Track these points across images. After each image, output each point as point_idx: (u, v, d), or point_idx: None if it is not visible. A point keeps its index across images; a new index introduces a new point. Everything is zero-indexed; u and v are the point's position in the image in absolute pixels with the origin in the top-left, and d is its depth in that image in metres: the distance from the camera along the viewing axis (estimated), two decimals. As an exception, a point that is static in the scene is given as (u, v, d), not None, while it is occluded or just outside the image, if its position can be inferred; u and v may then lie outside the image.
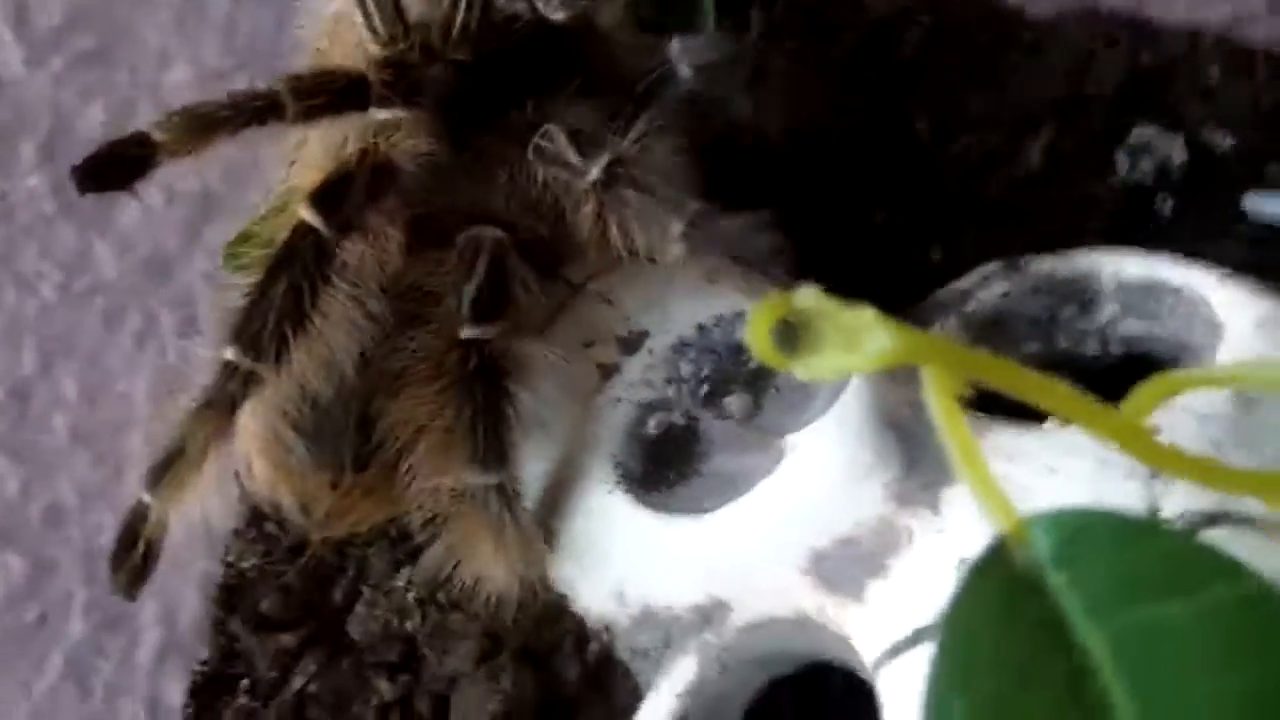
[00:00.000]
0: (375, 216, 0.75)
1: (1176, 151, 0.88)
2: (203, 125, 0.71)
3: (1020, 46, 0.90)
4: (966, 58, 0.90)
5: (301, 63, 0.85)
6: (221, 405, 0.72)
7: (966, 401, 0.70)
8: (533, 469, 0.78)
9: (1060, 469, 0.68)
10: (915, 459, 0.70)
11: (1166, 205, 0.88)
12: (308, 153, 0.77)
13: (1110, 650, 0.49)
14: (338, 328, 0.73)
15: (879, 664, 0.68)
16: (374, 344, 0.75)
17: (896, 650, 0.67)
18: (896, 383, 0.73)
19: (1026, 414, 0.64)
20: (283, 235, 0.75)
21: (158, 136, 0.71)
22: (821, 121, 0.84)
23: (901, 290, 0.85)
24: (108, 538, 0.93)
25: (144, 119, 0.99)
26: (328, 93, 0.74)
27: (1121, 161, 0.88)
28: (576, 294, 0.81)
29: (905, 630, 0.67)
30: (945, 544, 0.68)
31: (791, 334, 0.60)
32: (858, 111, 0.87)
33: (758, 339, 0.59)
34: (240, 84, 0.98)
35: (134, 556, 0.74)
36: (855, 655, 0.70)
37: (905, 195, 0.88)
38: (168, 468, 0.73)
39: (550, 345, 0.78)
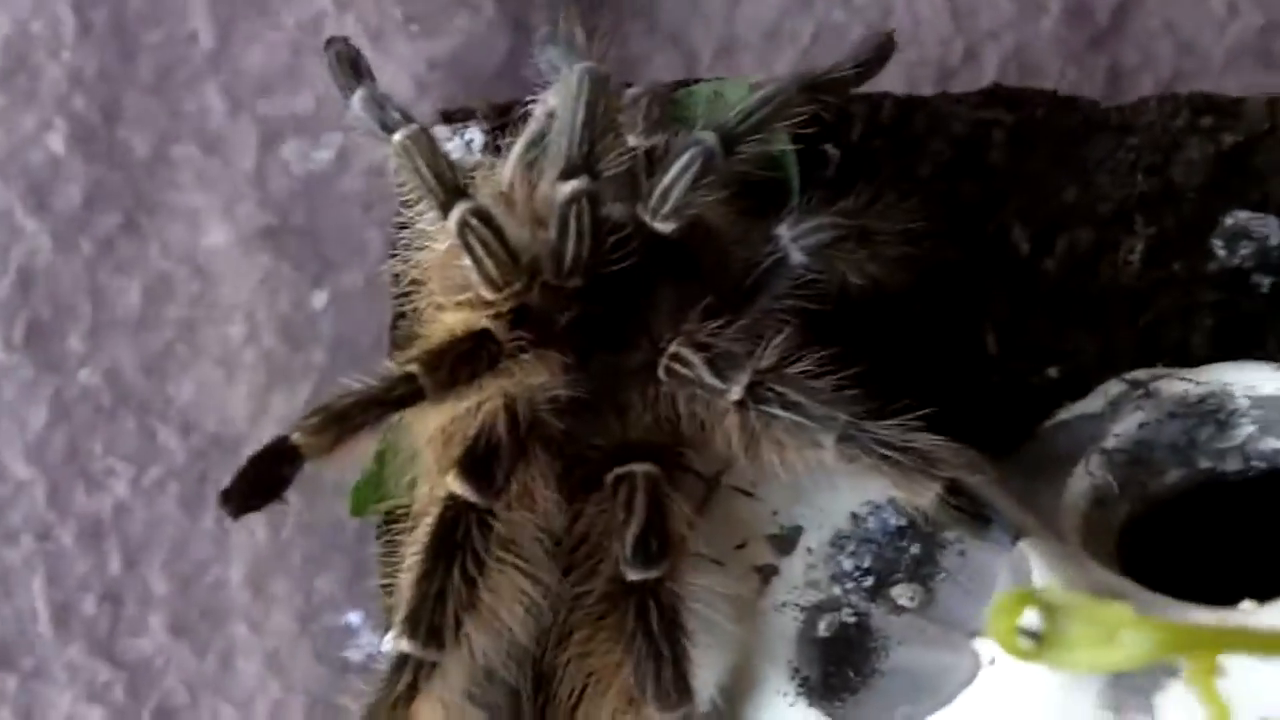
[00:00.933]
0: (525, 474, 0.72)
1: (1274, 233, 0.87)
2: (344, 426, 0.69)
3: (1102, 139, 0.88)
4: (1052, 157, 0.87)
5: (385, 283, 0.82)
6: (404, 697, 0.70)
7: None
8: (704, 679, 0.76)
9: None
10: (1120, 664, 0.69)
11: (1265, 282, 0.86)
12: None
13: None
14: (508, 600, 0.72)
15: None
16: (543, 602, 0.73)
17: None
18: (1081, 570, 0.72)
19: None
20: (426, 488, 0.73)
21: (299, 441, 0.69)
22: (933, 258, 0.82)
23: (1023, 414, 0.84)
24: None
25: (184, 294, 0.97)
26: (466, 364, 0.71)
27: (1218, 248, 0.86)
28: (714, 490, 0.79)
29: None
30: (1167, 753, 0.68)
31: (1032, 627, 0.59)
32: (959, 241, 0.85)
33: (1003, 636, 0.58)
34: (285, 245, 0.97)
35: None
36: None
37: (1013, 314, 0.86)
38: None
39: (707, 553, 0.76)
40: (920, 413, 0.74)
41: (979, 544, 0.75)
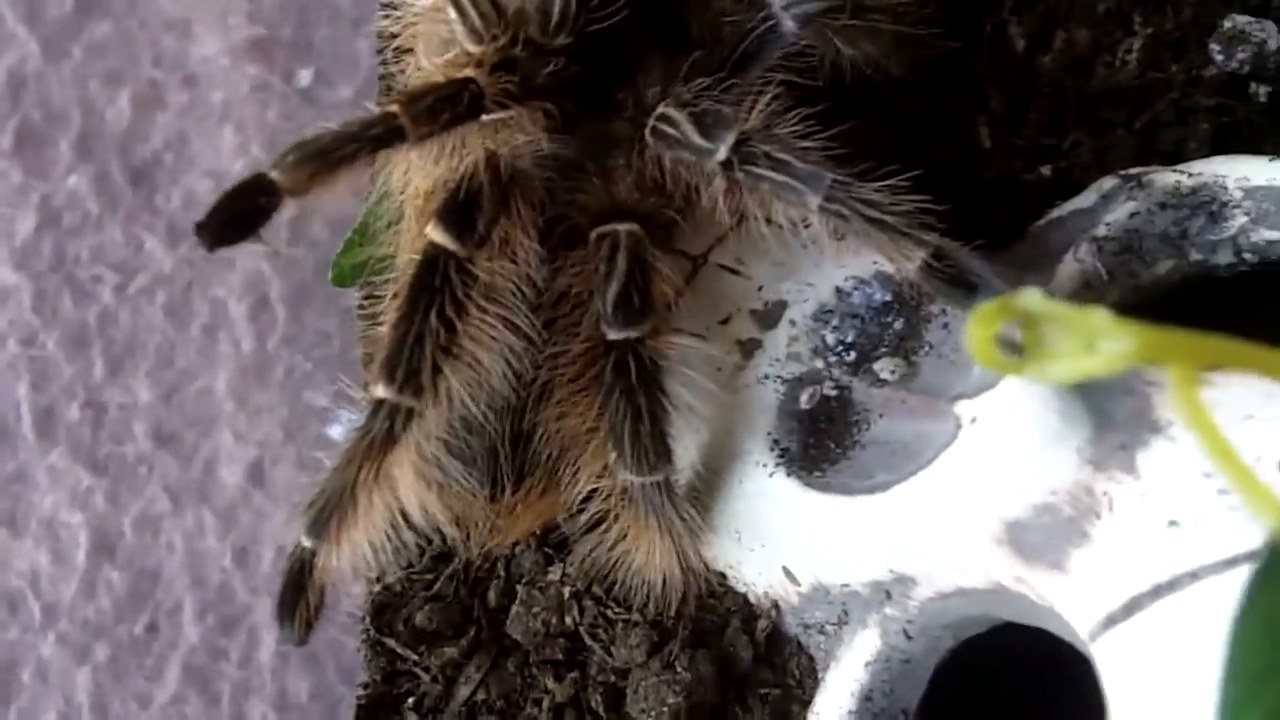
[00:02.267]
0: (506, 226, 0.71)
1: (1272, 37, 0.86)
2: (323, 161, 0.68)
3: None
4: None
5: (368, 46, 0.81)
6: (379, 444, 0.70)
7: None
8: (681, 454, 0.76)
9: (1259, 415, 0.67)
10: (1104, 420, 0.69)
11: (1261, 91, 0.85)
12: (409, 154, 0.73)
13: None
14: (488, 349, 0.71)
15: (1094, 635, 0.67)
16: (523, 356, 0.72)
17: (1112, 620, 0.67)
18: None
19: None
20: (408, 255, 0.72)
21: (277, 178, 0.67)
22: (925, 52, 0.81)
23: (1016, 209, 0.83)
24: (210, 539, 0.92)
25: (175, 105, 0.96)
26: (446, 108, 0.70)
27: (1216, 52, 0.85)
28: (699, 267, 0.78)
29: (1119, 599, 0.66)
30: (1151, 508, 0.67)
31: (1012, 337, 0.58)
32: (957, 33, 0.84)
33: (981, 347, 0.57)
34: (275, 55, 0.96)
35: (302, 604, 0.71)
36: (1060, 622, 0.69)
37: (1008, 109, 0.85)
38: (329, 513, 0.70)
39: (690, 327, 0.75)
40: (907, 175, 0.72)
41: (964, 315, 0.73)
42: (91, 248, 1.00)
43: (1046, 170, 0.85)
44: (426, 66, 0.76)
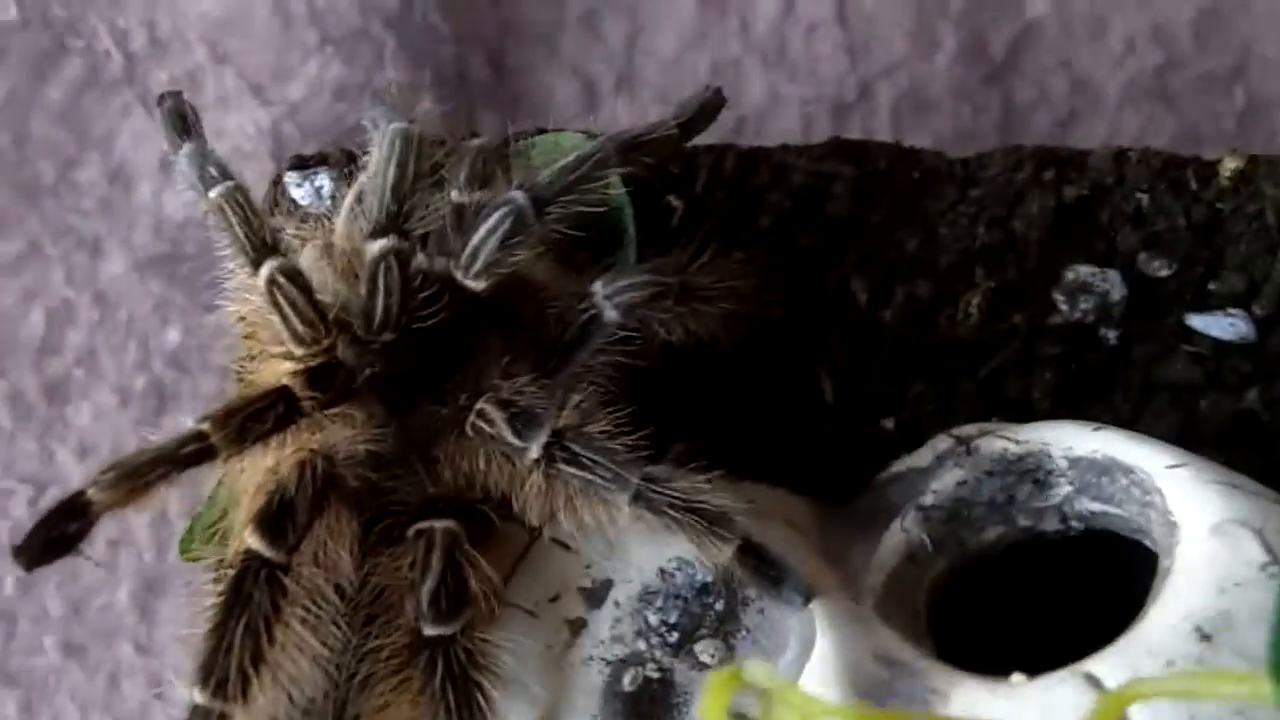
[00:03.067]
0: (322, 529, 0.74)
1: (1115, 288, 0.87)
2: (136, 479, 0.71)
3: (945, 192, 0.88)
4: (894, 208, 0.88)
5: (225, 342, 0.84)
6: (196, 749, 0.72)
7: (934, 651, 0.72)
8: (514, 732, 0.78)
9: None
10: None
11: (1111, 335, 0.87)
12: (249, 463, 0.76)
13: None
14: (298, 654, 0.74)
15: None
16: (339, 654, 0.75)
17: None
18: (865, 635, 0.74)
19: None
20: (234, 553, 0.75)
21: (94, 496, 0.71)
22: (759, 315, 0.83)
23: (859, 464, 0.85)
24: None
25: (85, 321, 1.00)
26: (255, 422, 0.73)
27: (1060, 302, 0.86)
28: (535, 540, 0.80)
29: None
30: None
31: (745, 710, 0.61)
32: (795, 296, 0.86)
33: (712, 712, 0.59)
34: (177, 272, 0.99)
35: None
36: None
37: (851, 365, 0.87)
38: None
39: (522, 602, 0.77)
40: (717, 473, 0.74)
41: (775, 603, 0.75)
42: (4, 462, 1.04)
43: (889, 424, 0.86)
44: (267, 350, 0.79)
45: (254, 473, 0.77)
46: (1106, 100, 1.06)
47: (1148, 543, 0.78)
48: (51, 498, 1.03)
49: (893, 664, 0.73)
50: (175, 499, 0.91)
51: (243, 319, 0.81)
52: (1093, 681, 0.70)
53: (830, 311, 0.88)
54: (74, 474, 1.04)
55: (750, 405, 0.86)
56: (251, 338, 0.81)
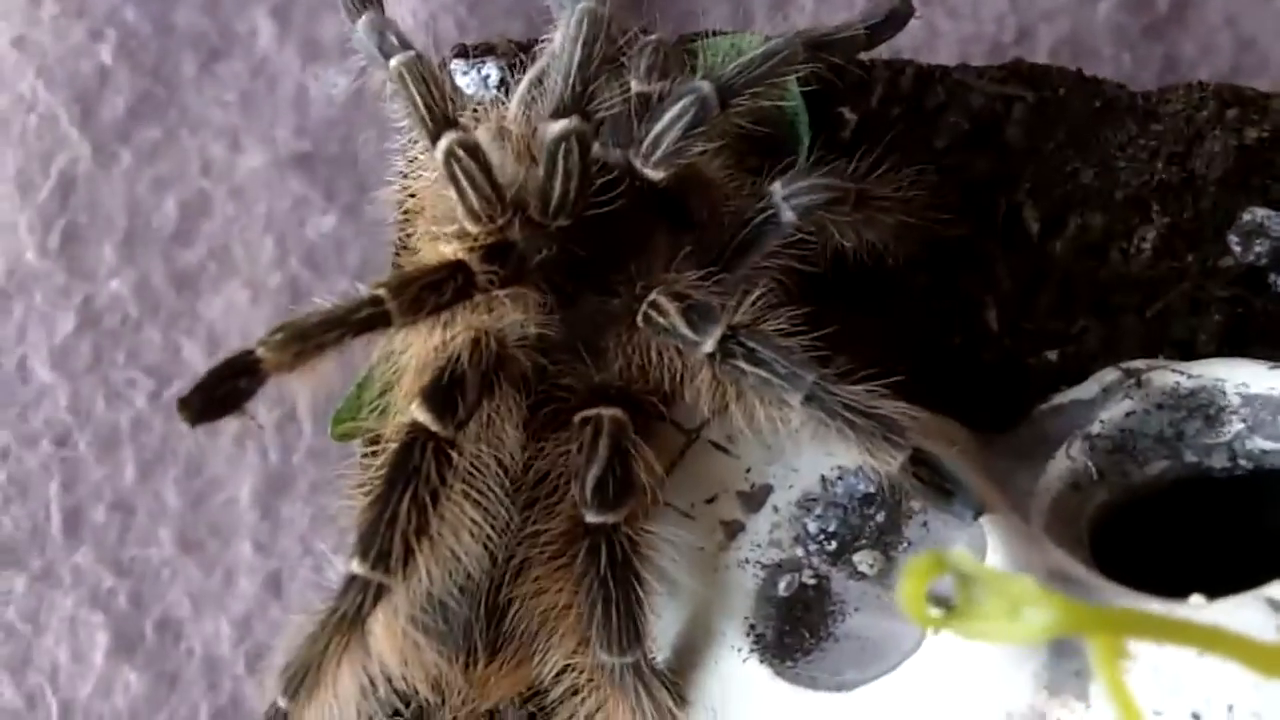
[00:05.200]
0: (489, 408, 0.72)
1: (1292, 232, 0.85)
2: (308, 342, 0.69)
3: (1125, 124, 0.86)
4: (1072, 137, 0.86)
5: (388, 210, 0.83)
6: (350, 617, 0.71)
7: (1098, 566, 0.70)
8: (663, 627, 0.76)
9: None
10: (1060, 645, 0.69)
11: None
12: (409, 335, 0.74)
13: None
14: (461, 530, 0.72)
15: None
16: (498, 537, 0.73)
17: None
18: (1038, 551, 0.72)
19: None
20: (395, 428, 0.73)
21: (263, 356, 0.69)
22: (930, 234, 0.81)
23: (1019, 394, 0.83)
24: (225, 647, 0.94)
25: (220, 216, 0.98)
26: (433, 292, 0.71)
27: (1234, 244, 0.84)
28: (692, 442, 0.79)
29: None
30: (1100, 741, 0.67)
31: (945, 594, 0.59)
32: (966, 216, 0.84)
33: (911, 601, 0.57)
34: (317, 171, 0.98)
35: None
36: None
37: (1018, 293, 0.85)
38: (302, 677, 0.71)
39: (677, 502, 0.76)
40: (891, 380, 0.72)
41: (942, 517, 0.73)
42: (129, 351, 1.02)
43: (1053, 355, 0.84)
44: (434, 231, 0.77)
45: (420, 349, 0.75)
46: (1273, 61, 1.04)
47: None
48: (174, 391, 1.02)
49: (1068, 580, 0.71)
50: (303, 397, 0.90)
51: (412, 195, 0.79)
52: (1275, 606, 0.67)
53: (1000, 239, 0.85)
54: (200, 369, 1.02)
55: (913, 328, 0.84)
56: (418, 215, 0.79)
